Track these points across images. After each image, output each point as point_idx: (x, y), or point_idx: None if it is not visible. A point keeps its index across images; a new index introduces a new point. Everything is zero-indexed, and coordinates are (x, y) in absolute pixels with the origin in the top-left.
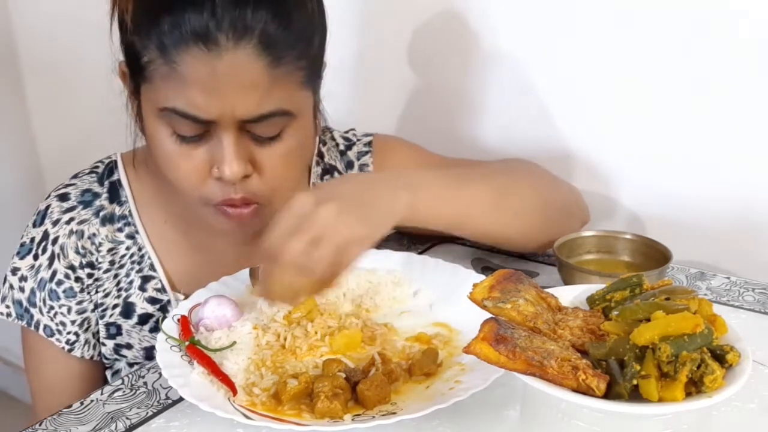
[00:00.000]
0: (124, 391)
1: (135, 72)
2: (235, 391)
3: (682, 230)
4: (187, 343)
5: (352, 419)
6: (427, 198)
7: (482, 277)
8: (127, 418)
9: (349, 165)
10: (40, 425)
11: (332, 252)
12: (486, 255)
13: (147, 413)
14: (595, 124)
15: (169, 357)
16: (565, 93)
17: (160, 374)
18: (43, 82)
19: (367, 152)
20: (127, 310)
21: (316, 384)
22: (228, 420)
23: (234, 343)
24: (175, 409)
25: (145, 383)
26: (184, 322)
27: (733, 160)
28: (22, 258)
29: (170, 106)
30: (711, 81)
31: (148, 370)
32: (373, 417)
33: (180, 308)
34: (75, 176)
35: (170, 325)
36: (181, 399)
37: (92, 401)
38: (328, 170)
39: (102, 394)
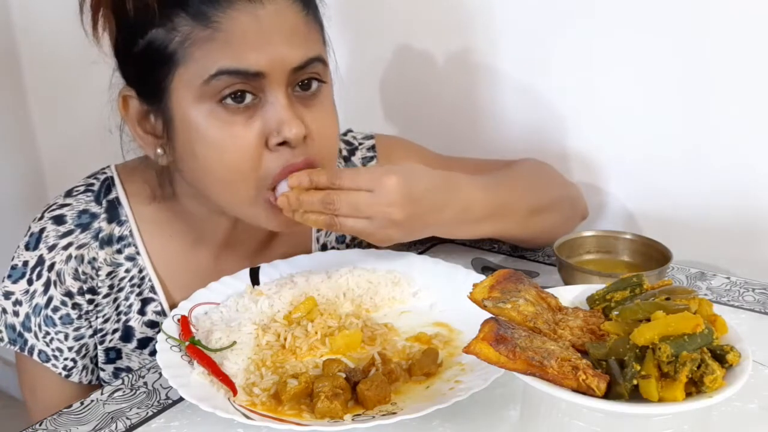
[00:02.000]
0: (124, 391)
1: (159, 71)
2: (235, 391)
3: (682, 230)
4: (187, 343)
5: (352, 419)
6: (470, 226)
7: (482, 277)
8: (127, 418)
9: None
10: (40, 425)
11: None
12: (486, 255)
13: (147, 413)
14: (595, 123)
15: (169, 357)
16: (564, 92)
17: (160, 374)
18: (43, 82)
19: (372, 157)
20: (127, 334)
21: (316, 384)
22: (228, 420)
23: (234, 343)
24: (175, 409)
25: (145, 383)
26: (184, 322)
27: (734, 160)
28: (14, 282)
29: (218, 69)
30: (712, 81)
31: (148, 370)
32: (373, 417)
33: (180, 308)
34: (69, 194)
35: (170, 325)
36: (181, 399)
37: (92, 401)
38: None
39: (102, 394)
